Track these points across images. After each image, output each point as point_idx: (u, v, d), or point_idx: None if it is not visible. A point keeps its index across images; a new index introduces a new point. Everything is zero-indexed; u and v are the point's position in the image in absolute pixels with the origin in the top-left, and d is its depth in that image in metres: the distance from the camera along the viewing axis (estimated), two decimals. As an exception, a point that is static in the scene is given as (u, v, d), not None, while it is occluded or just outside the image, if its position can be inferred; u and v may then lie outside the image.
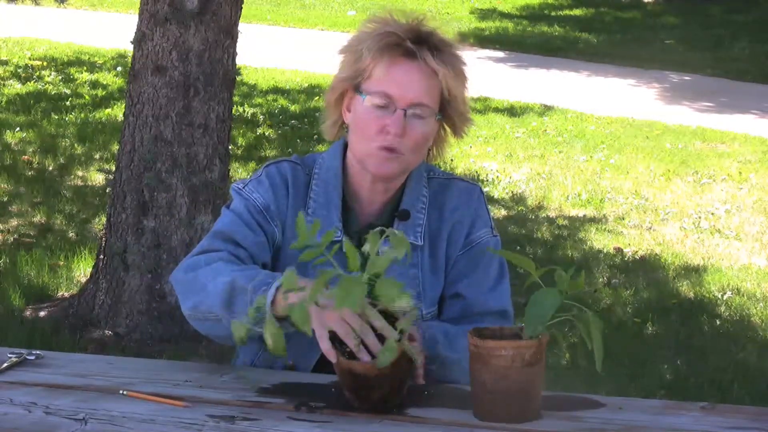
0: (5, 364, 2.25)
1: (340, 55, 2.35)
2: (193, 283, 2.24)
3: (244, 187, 2.36)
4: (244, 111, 9.51)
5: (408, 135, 2.26)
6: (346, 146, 2.38)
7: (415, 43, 2.27)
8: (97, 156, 8.00)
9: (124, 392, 2.12)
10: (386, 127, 2.25)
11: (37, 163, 7.78)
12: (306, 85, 10.88)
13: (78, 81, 10.51)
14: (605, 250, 6.50)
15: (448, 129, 2.39)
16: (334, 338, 2.02)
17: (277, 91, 10.60)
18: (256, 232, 2.30)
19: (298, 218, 2.01)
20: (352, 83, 2.31)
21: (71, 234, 6.36)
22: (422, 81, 2.27)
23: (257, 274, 2.16)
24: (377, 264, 1.97)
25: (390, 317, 2.03)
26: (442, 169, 2.52)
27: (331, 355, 2.01)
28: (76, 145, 8.22)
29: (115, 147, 6.68)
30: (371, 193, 2.35)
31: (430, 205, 2.37)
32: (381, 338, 2.03)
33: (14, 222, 6.60)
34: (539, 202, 7.43)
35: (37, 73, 10.76)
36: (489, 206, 2.46)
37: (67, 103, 9.58)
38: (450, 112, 2.33)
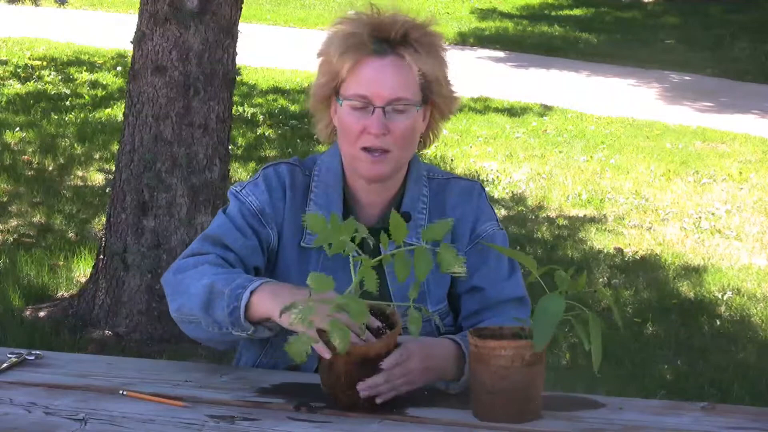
0: (5, 364, 2.25)
1: (318, 58, 2.34)
2: (179, 285, 2.25)
3: (240, 191, 2.35)
4: (244, 111, 9.51)
5: (392, 132, 2.25)
6: None
7: (382, 38, 2.25)
8: (96, 156, 8.00)
9: (124, 392, 2.12)
10: (367, 128, 2.24)
11: (37, 163, 7.78)
12: (306, 85, 10.86)
13: (78, 81, 10.51)
14: (605, 250, 6.49)
15: (435, 115, 2.37)
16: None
17: (277, 91, 10.60)
18: (248, 236, 2.29)
19: (306, 217, 2.00)
20: (331, 87, 2.31)
21: (71, 234, 6.36)
22: (396, 75, 2.25)
23: (236, 278, 2.17)
24: (434, 231, 1.97)
25: (372, 311, 2.05)
26: (442, 169, 2.51)
27: (323, 350, 2.00)
28: (75, 145, 8.22)
29: (115, 147, 6.68)
30: (368, 195, 2.34)
31: (431, 205, 2.37)
32: (373, 332, 2.03)
33: (14, 222, 6.60)
34: (539, 202, 7.43)
35: (37, 73, 10.75)
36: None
37: (67, 103, 9.58)
38: (433, 98, 2.32)
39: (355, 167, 2.30)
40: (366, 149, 2.26)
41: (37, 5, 8.58)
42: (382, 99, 2.24)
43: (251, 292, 2.12)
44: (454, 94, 2.36)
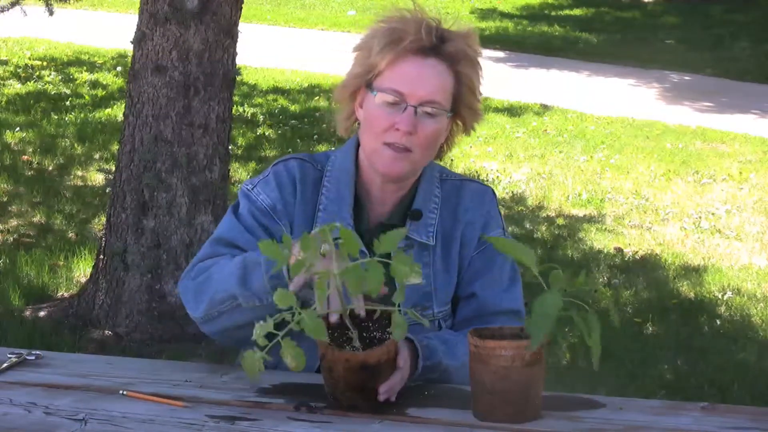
0: (5, 364, 2.24)
1: (354, 52, 2.34)
2: (205, 283, 2.24)
3: (252, 189, 2.35)
4: (244, 111, 9.51)
5: (418, 133, 2.25)
6: (359, 145, 2.37)
7: (426, 40, 2.26)
8: (96, 156, 8.00)
9: (124, 392, 2.12)
10: (396, 124, 2.24)
11: (37, 163, 7.78)
12: (306, 85, 10.88)
13: (78, 81, 10.51)
14: (605, 250, 6.49)
15: (456, 128, 2.38)
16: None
17: (277, 91, 10.60)
18: (259, 237, 2.29)
19: (261, 245, 1.99)
20: (364, 80, 2.31)
21: (71, 234, 6.36)
22: (434, 78, 2.26)
23: None
24: (386, 243, 1.96)
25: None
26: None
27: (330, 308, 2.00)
28: (75, 145, 8.23)
29: (115, 147, 6.69)
30: (382, 192, 2.34)
31: (442, 206, 2.36)
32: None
33: (14, 222, 6.60)
34: (539, 202, 7.43)
35: (37, 73, 10.76)
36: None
37: (67, 103, 9.59)
38: (461, 109, 2.33)
39: (373, 161, 2.29)
40: (389, 145, 2.25)
41: (26, 15, 8.59)
42: (416, 98, 2.24)
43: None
44: (480, 111, 2.37)
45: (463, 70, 2.29)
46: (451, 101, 2.29)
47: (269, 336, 1.96)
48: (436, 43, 2.26)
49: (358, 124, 2.36)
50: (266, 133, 8.94)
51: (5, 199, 6.98)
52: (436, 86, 2.26)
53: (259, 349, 1.95)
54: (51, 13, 8.36)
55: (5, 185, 7.22)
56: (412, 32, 2.26)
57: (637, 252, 6.50)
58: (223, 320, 2.23)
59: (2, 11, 8.36)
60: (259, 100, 10.17)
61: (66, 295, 5.44)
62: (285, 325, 1.95)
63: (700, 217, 7.23)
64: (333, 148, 2.45)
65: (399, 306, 1.99)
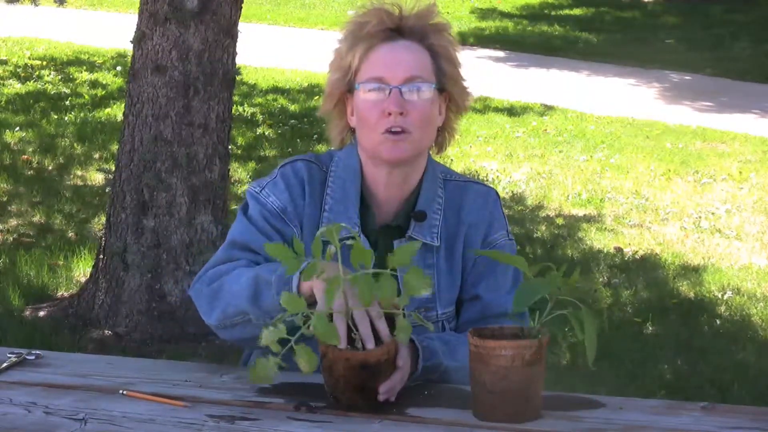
0: (5, 364, 2.25)
1: (329, 64, 2.37)
2: (218, 291, 2.24)
3: (260, 191, 2.35)
4: (244, 111, 9.51)
5: (410, 112, 2.26)
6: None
7: (389, 22, 2.29)
8: (96, 156, 8.00)
9: (124, 392, 2.12)
10: (386, 109, 2.25)
11: (37, 162, 7.78)
12: (306, 84, 10.88)
13: (77, 81, 10.51)
14: (605, 250, 6.49)
15: (451, 109, 2.38)
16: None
17: (276, 90, 10.60)
18: (273, 239, 2.28)
19: (268, 248, 2.01)
20: (345, 83, 2.32)
21: (71, 234, 6.36)
22: (408, 56, 2.28)
23: (279, 266, 2.15)
24: (401, 256, 1.97)
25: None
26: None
27: (341, 336, 2.00)
28: (75, 144, 8.23)
29: (115, 147, 6.68)
30: (388, 187, 2.33)
31: (446, 207, 2.36)
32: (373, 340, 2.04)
33: (14, 222, 6.60)
34: (539, 202, 7.43)
35: (37, 73, 10.76)
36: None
37: (67, 102, 9.59)
38: (447, 83, 2.33)
39: (377, 153, 2.29)
40: (387, 132, 2.26)
41: (36, 5, 8.58)
42: (398, 79, 2.26)
43: (300, 273, 2.09)
44: (467, 85, 2.38)
45: (435, 41, 2.31)
46: (435, 75, 2.30)
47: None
48: (400, 24, 2.30)
49: (353, 134, 2.37)
50: (266, 133, 8.94)
51: (5, 199, 6.98)
52: (412, 63, 2.28)
53: (272, 355, 1.96)
54: (62, 2, 8.34)
55: (5, 185, 7.22)
56: (376, 22, 2.29)
57: (636, 252, 6.50)
58: (236, 331, 2.24)
59: (12, 1, 8.35)
60: (259, 99, 10.17)
61: (66, 294, 5.44)
62: (296, 329, 1.96)
63: (700, 217, 7.23)
64: (333, 148, 2.45)
65: (403, 310, 1.99)
